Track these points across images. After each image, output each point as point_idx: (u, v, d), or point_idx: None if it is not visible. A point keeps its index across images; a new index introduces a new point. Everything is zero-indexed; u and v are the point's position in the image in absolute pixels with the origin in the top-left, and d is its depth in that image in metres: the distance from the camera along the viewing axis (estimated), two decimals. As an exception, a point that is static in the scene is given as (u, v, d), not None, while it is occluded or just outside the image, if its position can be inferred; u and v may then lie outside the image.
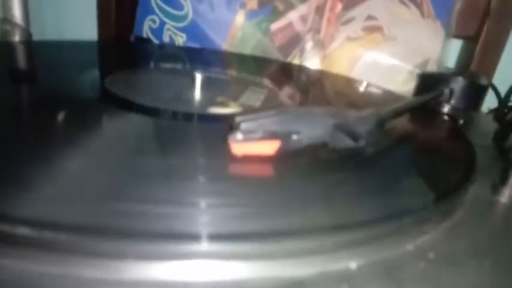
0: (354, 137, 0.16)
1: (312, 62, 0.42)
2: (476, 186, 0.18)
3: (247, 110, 0.17)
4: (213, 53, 0.43)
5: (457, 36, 0.45)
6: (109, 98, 0.25)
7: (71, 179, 0.15)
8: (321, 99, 0.34)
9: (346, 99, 0.34)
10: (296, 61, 0.43)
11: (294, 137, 0.17)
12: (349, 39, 0.41)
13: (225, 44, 0.44)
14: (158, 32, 0.45)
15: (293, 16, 0.43)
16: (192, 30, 0.44)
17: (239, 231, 0.13)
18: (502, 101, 0.45)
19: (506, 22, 0.42)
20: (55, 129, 0.20)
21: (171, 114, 0.23)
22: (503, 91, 0.45)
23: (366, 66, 0.41)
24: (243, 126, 0.16)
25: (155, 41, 0.45)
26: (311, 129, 0.17)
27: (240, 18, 0.43)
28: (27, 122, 0.21)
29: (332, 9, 0.43)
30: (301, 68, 0.42)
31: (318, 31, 0.43)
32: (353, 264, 0.13)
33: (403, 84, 0.41)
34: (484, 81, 0.32)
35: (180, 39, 0.45)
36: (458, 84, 0.30)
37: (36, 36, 0.46)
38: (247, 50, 0.44)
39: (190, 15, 0.44)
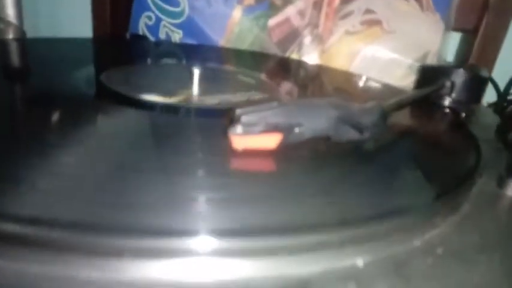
0: (359, 128, 0.16)
1: (311, 56, 0.42)
2: (481, 179, 0.18)
3: (247, 103, 0.16)
4: (210, 49, 0.43)
5: (455, 29, 0.45)
6: (104, 93, 0.25)
7: (66, 176, 0.14)
8: (320, 94, 0.33)
9: (346, 94, 0.34)
10: (294, 56, 0.43)
11: (296, 129, 0.16)
12: (347, 33, 0.41)
13: (222, 40, 0.43)
14: (154, 28, 0.45)
15: (291, 11, 0.42)
16: (189, 26, 0.44)
17: (241, 228, 0.12)
18: (501, 95, 0.45)
19: (505, 15, 0.42)
20: (50, 126, 0.19)
21: (169, 108, 0.23)
22: (502, 85, 0.44)
23: (365, 60, 0.40)
24: (244, 119, 0.15)
25: (151, 37, 0.45)
26: (314, 121, 0.16)
27: (237, 13, 0.43)
28: (21, 119, 0.20)
29: (330, 3, 0.42)
30: (300, 63, 0.42)
31: (316, 26, 0.42)
32: (360, 261, 0.12)
33: (403, 78, 0.40)
34: (484, 73, 0.31)
35: (177, 36, 0.44)
36: (459, 76, 0.29)
37: (30, 34, 0.45)
38: (244, 45, 0.43)
39: (187, 11, 0.43)
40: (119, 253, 0.11)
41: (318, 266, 0.12)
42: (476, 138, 0.22)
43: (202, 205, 0.13)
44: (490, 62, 0.43)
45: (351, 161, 0.17)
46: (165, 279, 0.11)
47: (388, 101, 0.20)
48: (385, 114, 0.18)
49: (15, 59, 0.34)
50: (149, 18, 0.45)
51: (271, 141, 0.16)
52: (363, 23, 0.41)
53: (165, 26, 0.44)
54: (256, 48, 0.43)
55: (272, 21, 0.42)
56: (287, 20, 0.42)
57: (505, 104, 0.44)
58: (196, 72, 0.26)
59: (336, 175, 0.16)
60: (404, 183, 0.17)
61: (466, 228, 0.15)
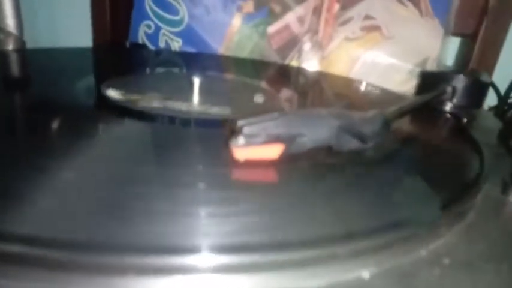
0: (361, 138, 0.16)
1: (311, 63, 0.42)
2: (486, 186, 0.18)
3: (248, 114, 0.16)
4: (210, 57, 0.43)
5: (455, 34, 0.45)
6: (105, 104, 0.24)
7: (66, 190, 0.14)
8: (321, 101, 0.33)
9: (346, 100, 0.34)
10: (294, 63, 0.43)
11: (298, 140, 0.16)
12: (347, 39, 0.41)
13: (222, 47, 0.43)
14: (154, 37, 0.45)
15: (290, 18, 0.42)
16: (188, 34, 0.44)
17: (244, 243, 0.12)
18: (502, 99, 0.45)
19: (504, 19, 0.42)
20: (50, 138, 0.19)
21: (170, 119, 0.23)
22: (502, 88, 0.44)
23: (364, 66, 0.40)
24: (246, 130, 0.15)
25: (151, 46, 0.45)
26: (315, 131, 0.16)
27: (236, 21, 0.43)
28: (21, 131, 0.20)
29: (329, 9, 0.42)
30: (300, 70, 0.41)
31: (315, 32, 0.42)
32: (366, 274, 0.12)
33: (403, 84, 0.40)
34: (485, 78, 0.31)
35: (176, 44, 0.44)
36: (460, 82, 0.29)
37: (30, 45, 0.45)
38: (244, 53, 0.43)
39: (186, 19, 0.43)
40: (120, 271, 0.11)
41: (324, 279, 0.12)
42: (478, 144, 0.22)
43: (205, 220, 0.13)
44: (490, 66, 0.43)
45: (353, 171, 0.17)
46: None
47: (390, 109, 0.20)
48: (387, 123, 0.18)
49: (15, 69, 0.34)
50: (149, 26, 0.45)
51: (273, 152, 0.16)
52: (362, 28, 0.41)
53: (164, 34, 0.44)
54: (256, 55, 0.43)
55: (271, 29, 0.42)
56: (286, 27, 0.42)
57: (506, 108, 0.44)
58: (197, 81, 0.26)
59: (339, 186, 0.16)
60: (409, 192, 0.16)
61: (472, 237, 0.15)
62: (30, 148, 0.17)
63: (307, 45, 0.42)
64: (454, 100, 0.29)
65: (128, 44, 0.46)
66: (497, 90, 0.43)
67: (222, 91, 0.31)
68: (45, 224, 0.12)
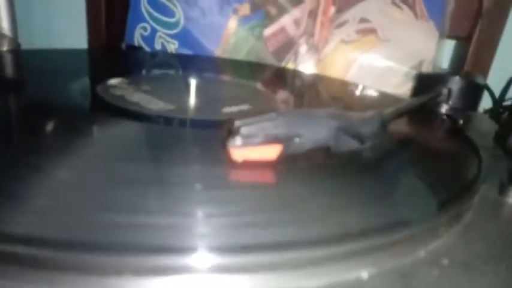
0: (360, 138, 0.16)
1: (307, 65, 0.42)
2: (483, 187, 0.18)
3: (245, 114, 0.16)
4: (207, 59, 0.43)
5: (450, 37, 0.45)
6: (101, 105, 0.24)
7: (62, 190, 0.14)
8: (317, 103, 0.33)
9: (343, 103, 0.34)
10: (291, 66, 0.43)
11: (296, 140, 0.16)
12: (343, 42, 0.41)
13: (218, 50, 0.43)
14: (150, 39, 0.45)
15: (286, 20, 0.42)
16: (184, 37, 0.43)
17: (241, 243, 0.12)
18: (497, 101, 0.45)
19: (499, 22, 0.43)
20: (45, 139, 0.19)
21: (166, 120, 0.23)
22: (497, 91, 0.45)
23: (361, 68, 0.41)
24: (243, 130, 0.15)
25: (147, 48, 0.45)
26: (313, 132, 0.16)
27: (232, 23, 0.43)
28: (16, 132, 0.20)
29: (325, 12, 0.42)
30: (296, 73, 0.42)
31: (311, 35, 0.42)
32: (365, 274, 0.12)
33: (399, 86, 0.40)
34: (480, 80, 0.31)
35: (172, 46, 0.44)
36: (455, 84, 0.29)
37: (26, 46, 0.45)
38: (240, 55, 0.43)
39: (182, 22, 0.43)
40: (117, 271, 0.11)
41: (322, 280, 0.12)
42: (475, 146, 0.22)
43: (202, 220, 0.13)
44: (485, 69, 0.43)
45: (351, 171, 0.17)
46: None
47: (387, 110, 0.20)
48: (384, 123, 0.18)
49: (9, 70, 0.33)
50: (144, 29, 0.45)
51: (271, 152, 0.16)
52: (358, 31, 0.41)
53: (160, 36, 0.44)
54: (252, 58, 0.43)
55: (268, 31, 0.42)
56: (283, 30, 0.42)
57: (501, 110, 0.45)
58: (193, 82, 0.26)
59: (337, 186, 0.16)
60: (406, 193, 0.16)
61: (470, 238, 0.15)
62: (25, 148, 0.17)
63: (303, 48, 0.42)
64: (450, 102, 0.29)
65: (123, 46, 0.46)
66: (491, 93, 0.44)
67: (218, 93, 0.31)
68: (41, 224, 0.12)
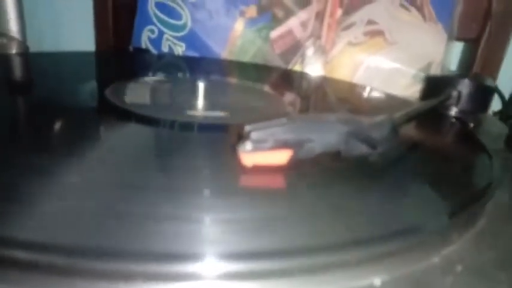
0: (370, 143, 0.15)
1: (314, 68, 0.42)
2: (496, 191, 0.18)
3: (255, 119, 0.16)
4: (214, 61, 0.43)
5: (458, 39, 0.45)
6: (108, 108, 0.24)
7: (72, 195, 0.14)
8: (324, 106, 0.33)
9: (350, 105, 0.34)
10: (297, 68, 0.43)
11: (306, 145, 0.16)
12: (350, 44, 0.41)
13: (225, 52, 0.43)
14: (157, 42, 0.45)
15: (293, 23, 0.42)
16: (191, 39, 0.44)
17: (251, 249, 0.12)
18: (507, 103, 0.44)
19: (508, 24, 0.42)
20: (53, 141, 0.19)
21: (174, 124, 0.22)
22: (506, 93, 0.44)
23: (368, 71, 0.40)
24: (253, 135, 0.15)
25: (154, 51, 0.45)
26: (324, 137, 0.16)
27: (239, 26, 0.43)
28: (24, 135, 0.20)
29: (332, 14, 0.42)
30: (303, 75, 0.41)
31: (318, 37, 0.42)
32: (377, 281, 0.12)
33: (406, 89, 0.40)
34: (490, 82, 0.31)
35: (179, 49, 0.44)
36: (465, 86, 0.29)
37: (34, 49, 0.45)
38: (247, 57, 0.43)
39: (189, 24, 0.43)
40: (125, 277, 0.10)
41: (334, 287, 0.12)
42: (487, 149, 0.22)
43: (212, 227, 0.13)
44: (494, 71, 0.43)
45: (362, 176, 0.17)
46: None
47: (397, 114, 0.20)
48: (395, 128, 0.18)
49: (18, 73, 0.33)
50: (152, 31, 0.45)
51: (281, 157, 0.16)
52: (365, 33, 0.41)
53: (167, 39, 0.44)
54: (259, 60, 0.43)
55: (274, 33, 0.42)
56: (289, 32, 0.42)
57: (511, 113, 0.44)
58: (201, 85, 0.26)
59: (348, 192, 0.16)
60: (418, 197, 0.16)
61: (484, 244, 0.14)
62: (34, 152, 0.17)
63: (310, 50, 0.42)
64: (460, 105, 0.29)
65: (131, 49, 0.46)
66: (501, 95, 0.43)
67: (226, 95, 0.31)
68: (49, 229, 0.12)
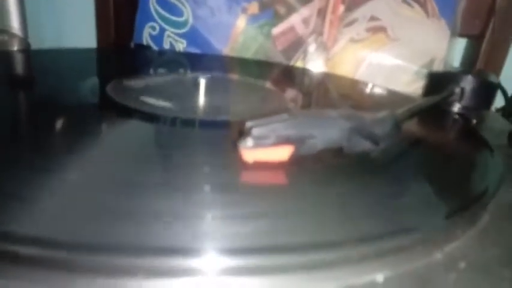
0: (373, 139, 0.15)
1: (316, 64, 0.42)
2: (499, 188, 0.17)
3: (256, 115, 0.16)
4: (215, 58, 0.42)
5: (461, 35, 0.44)
6: (109, 105, 0.24)
7: (72, 191, 0.14)
8: (326, 102, 0.33)
9: (352, 102, 0.34)
10: (299, 64, 0.42)
11: (308, 141, 0.16)
12: (352, 40, 0.41)
13: (227, 49, 0.43)
14: (158, 38, 0.45)
15: (295, 19, 0.42)
16: (193, 36, 0.43)
17: (253, 245, 0.12)
18: (509, 100, 0.44)
19: (511, 19, 0.42)
20: (53, 138, 0.19)
21: (175, 120, 0.22)
22: (509, 90, 0.44)
23: (370, 67, 0.40)
24: (255, 131, 0.15)
25: (155, 48, 0.45)
26: (326, 133, 0.16)
27: (241, 22, 0.43)
28: (26, 132, 0.20)
29: (334, 11, 0.42)
30: (305, 71, 0.41)
31: (320, 33, 0.42)
32: (380, 277, 0.12)
33: (409, 85, 0.40)
34: (494, 78, 0.31)
35: (181, 46, 0.44)
36: (468, 83, 0.29)
37: (35, 46, 0.45)
38: (248, 54, 0.43)
39: (190, 21, 0.43)
40: (127, 273, 0.10)
41: (336, 283, 0.12)
42: (490, 146, 0.22)
43: (213, 222, 0.13)
44: (497, 67, 0.43)
45: (364, 173, 0.17)
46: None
47: (400, 110, 0.20)
48: (397, 124, 0.18)
49: (20, 70, 0.33)
50: (153, 28, 0.45)
51: (282, 153, 0.16)
52: (367, 30, 0.40)
53: (169, 36, 0.44)
54: (260, 56, 0.43)
55: (276, 30, 0.42)
56: (291, 29, 0.42)
57: (514, 109, 0.44)
58: (203, 82, 0.26)
59: (351, 188, 0.16)
60: (421, 194, 0.16)
61: (487, 240, 0.14)
62: (34, 148, 0.17)
63: (312, 47, 0.42)
64: (463, 101, 0.29)
65: (132, 45, 0.46)
66: (504, 92, 0.43)
67: (227, 92, 0.31)
68: (50, 225, 0.12)
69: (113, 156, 0.17)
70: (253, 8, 0.43)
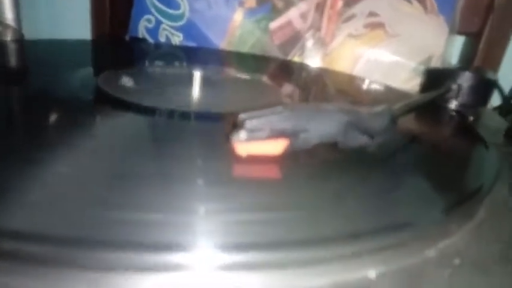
0: (369, 134, 0.15)
1: (313, 60, 0.41)
2: (494, 185, 0.17)
3: (250, 108, 0.16)
4: (211, 51, 0.42)
5: (459, 33, 0.44)
6: (103, 97, 0.24)
7: (61, 186, 0.13)
8: (323, 97, 0.33)
9: (349, 97, 0.33)
10: (297, 59, 0.42)
11: (303, 135, 0.15)
12: (350, 36, 0.40)
13: (223, 43, 0.43)
14: (154, 31, 0.44)
15: (293, 14, 0.42)
16: (189, 29, 0.43)
17: (246, 240, 0.11)
18: (506, 98, 0.44)
19: (510, 18, 0.42)
20: (45, 131, 0.18)
21: (168, 113, 0.22)
22: (506, 88, 0.44)
23: (368, 63, 0.40)
24: (248, 124, 0.15)
25: (151, 41, 0.44)
26: (321, 126, 0.16)
27: (238, 16, 0.42)
28: (17, 124, 0.19)
29: (332, 6, 0.42)
30: (302, 66, 0.41)
31: (318, 29, 0.41)
32: (372, 273, 0.12)
33: (407, 81, 0.40)
34: (491, 75, 0.31)
35: (177, 39, 0.44)
36: (466, 79, 0.29)
37: (29, 37, 0.45)
38: (245, 49, 0.43)
39: (187, 14, 0.43)
40: (116, 268, 0.10)
41: (329, 279, 0.11)
42: (486, 143, 0.21)
43: (204, 217, 0.13)
44: (495, 65, 0.43)
45: (358, 168, 0.17)
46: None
47: (396, 105, 0.19)
48: (394, 119, 0.17)
49: (12, 60, 0.33)
50: (149, 21, 0.44)
51: (276, 147, 0.15)
52: (366, 26, 0.40)
53: (165, 29, 0.44)
54: (257, 51, 0.42)
55: (274, 24, 0.42)
56: (289, 23, 0.42)
57: (510, 108, 0.44)
58: (197, 75, 0.26)
59: (344, 183, 0.15)
60: (416, 190, 0.16)
61: (482, 237, 0.14)
62: (26, 140, 0.17)
63: (309, 42, 0.42)
64: (460, 98, 0.29)
65: (127, 38, 0.45)
66: (501, 90, 0.43)
67: (223, 86, 0.30)
68: (36, 219, 0.11)
69: (102, 148, 0.17)
70: (251, 1, 0.42)
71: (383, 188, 0.15)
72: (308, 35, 0.42)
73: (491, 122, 0.30)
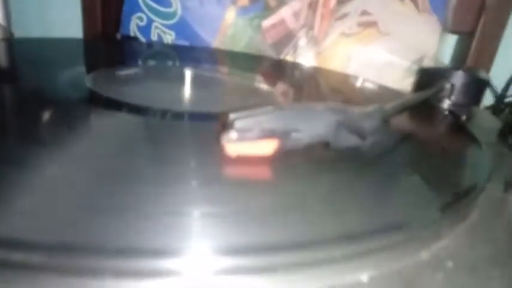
0: (360, 134, 0.15)
1: (306, 58, 0.41)
2: (488, 184, 0.17)
3: (241, 107, 0.15)
4: (204, 50, 0.42)
5: (452, 32, 0.44)
6: (93, 97, 0.23)
7: (49, 191, 0.13)
8: (316, 96, 0.32)
9: (342, 96, 0.33)
10: (290, 58, 0.42)
11: (294, 135, 0.15)
12: (343, 35, 0.40)
13: (216, 41, 0.42)
14: (146, 30, 0.44)
15: (286, 12, 0.41)
16: (181, 27, 0.43)
17: (236, 244, 0.11)
18: (499, 97, 0.44)
19: (502, 17, 0.42)
20: (32, 131, 0.18)
21: (159, 113, 0.22)
22: (499, 87, 0.44)
23: (361, 62, 0.40)
24: (238, 124, 0.14)
25: (143, 39, 0.44)
26: (312, 127, 0.15)
27: (230, 14, 0.42)
28: (5, 124, 0.19)
29: (325, 4, 0.41)
30: (295, 65, 0.41)
31: (311, 27, 0.41)
32: (364, 277, 0.12)
33: (400, 80, 0.40)
34: (484, 75, 0.31)
35: (169, 37, 0.43)
36: (459, 78, 0.29)
37: (19, 36, 0.44)
38: (238, 47, 0.42)
39: (179, 12, 0.42)
40: (108, 273, 0.10)
41: (320, 282, 0.11)
42: (479, 142, 0.21)
43: (194, 220, 0.12)
44: (487, 65, 0.43)
45: (350, 169, 0.16)
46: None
47: (389, 105, 0.19)
48: (386, 118, 0.17)
49: (1, 59, 0.32)
50: (140, 19, 0.44)
51: (267, 147, 0.15)
52: (359, 24, 0.40)
53: (156, 27, 0.43)
54: (250, 49, 0.42)
55: (266, 23, 0.42)
56: (282, 22, 0.42)
57: (503, 107, 0.44)
58: (189, 74, 0.25)
59: (336, 184, 0.15)
60: (408, 191, 0.16)
61: (475, 239, 0.14)
62: (14, 141, 0.16)
63: (302, 41, 0.42)
64: (452, 97, 0.29)
65: (119, 36, 0.45)
66: (493, 89, 0.43)
67: (215, 85, 0.30)
68: (22, 225, 0.11)
69: (92, 150, 0.17)
70: (243, -1, 0.42)
71: (374, 190, 0.15)
72: (301, 33, 0.41)
73: (484, 121, 0.30)
